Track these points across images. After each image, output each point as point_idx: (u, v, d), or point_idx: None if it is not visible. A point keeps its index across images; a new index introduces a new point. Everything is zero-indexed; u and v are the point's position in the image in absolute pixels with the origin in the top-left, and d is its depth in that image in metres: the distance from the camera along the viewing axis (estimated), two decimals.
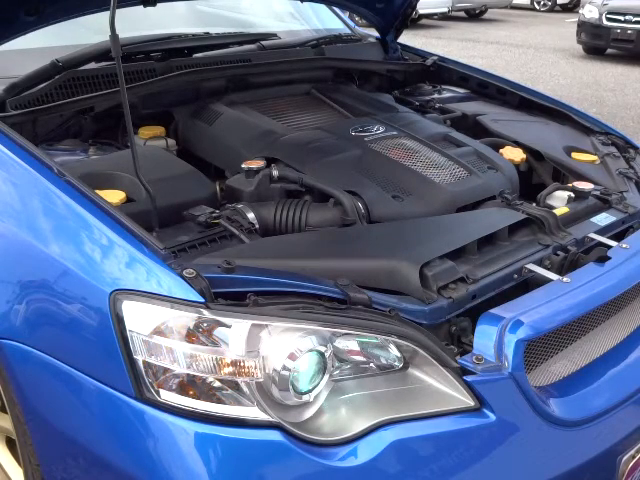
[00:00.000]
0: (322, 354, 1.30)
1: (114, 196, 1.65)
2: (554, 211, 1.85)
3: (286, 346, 1.27)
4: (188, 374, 1.26)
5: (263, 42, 2.69)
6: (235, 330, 1.25)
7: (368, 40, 3.07)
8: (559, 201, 2.01)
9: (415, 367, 1.37)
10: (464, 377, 1.34)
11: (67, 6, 2.05)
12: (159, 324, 1.27)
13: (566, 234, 1.79)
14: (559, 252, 1.73)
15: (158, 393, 1.26)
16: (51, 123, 2.04)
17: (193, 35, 2.60)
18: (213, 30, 2.69)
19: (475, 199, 1.93)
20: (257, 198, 1.85)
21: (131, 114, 1.47)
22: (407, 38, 3.09)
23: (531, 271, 1.65)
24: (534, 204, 1.95)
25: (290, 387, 1.27)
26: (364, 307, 1.37)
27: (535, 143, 2.33)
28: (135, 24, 2.45)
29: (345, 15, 3.33)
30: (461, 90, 2.89)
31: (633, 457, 1.56)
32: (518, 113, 2.67)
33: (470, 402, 1.34)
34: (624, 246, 1.79)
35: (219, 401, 1.25)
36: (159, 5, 2.21)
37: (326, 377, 1.32)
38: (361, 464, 1.25)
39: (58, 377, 1.38)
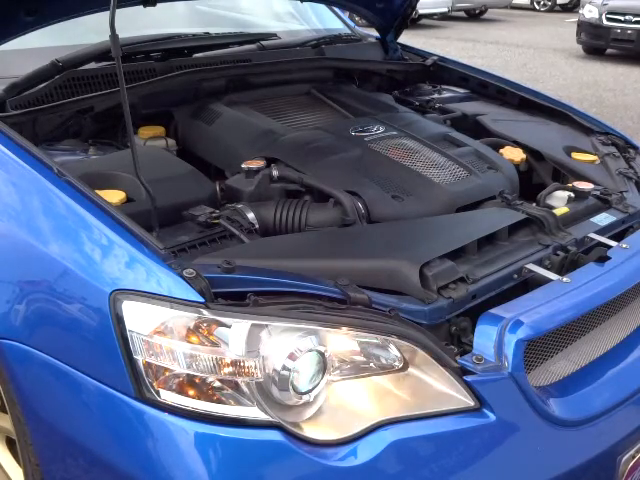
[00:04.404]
0: (322, 354, 1.30)
1: (114, 196, 1.64)
2: (554, 211, 1.85)
3: (286, 346, 1.27)
4: (188, 374, 1.26)
5: (263, 42, 2.69)
6: (235, 330, 1.25)
7: (368, 40, 3.06)
8: (559, 201, 2.01)
9: (415, 367, 1.36)
10: (464, 377, 1.34)
11: (67, 6, 2.05)
12: (159, 324, 1.27)
13: (566, 234, 1.79)
14: (559, 252, 1.73)
15: (158, 393, 1.26)
16: (51, 123, 2.03)
17: (193, 35, 2.60)
18: (213, 30, 2.69)
19: (475, 199, 1.93)
20: (257, 198, 1.85)
21: (131, 114, 1.47)
22: (407, 38, 3.08)
23: (531, 271, 1.65)
24: (534, 204, 1.95)
25: (290, 387, 1.27)
26: (364, 307, 1.37)
27: (535, 143, 2.33)
28: (135, 24, 2.45)
29: (345, 15, 3.33)
30: (461, 90, 2.89)
31: (633, 457, 1.56)
32: (518, 113, 2.67)
33: (470, 402, 1.34)
34: (624, 246, 1.78)
35: (219, 401, 1.25)
36: (159, 5, 2.21)
37: (326, 377, 1.32)
38: (361, 464, 1.25)
39: (58, 377, 1.38)
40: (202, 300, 1.26)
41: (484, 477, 1.35)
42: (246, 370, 1.25)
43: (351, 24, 3.23)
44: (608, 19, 10.65)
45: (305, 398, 1.29)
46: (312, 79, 2.63)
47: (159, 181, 1.65)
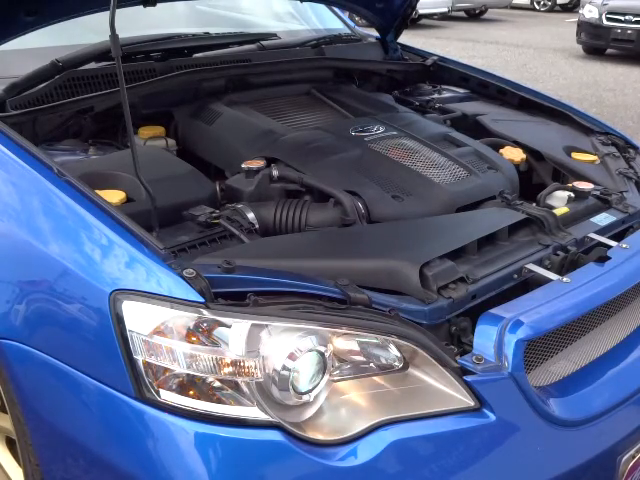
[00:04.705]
0: (322, 354, 1.30)
1: (114, 196, 1.65)
2: (554, 211, 1.85)
3: (286, 346, 1.27)
4: (188, 374, 1.26)
5: (263, 42, 2.69)
6: (235, 330, 1.25)
7: (368, 40, 3.07)
8: (559, 201, 2.01)
9: (415, 367, 1.37)
10: (464, 377, 1.34)
11: (67, 6, 2.05)
12: (159, 324, 1.26)
13: (566, 234, 1.79)
14: (559, 252, 1.73)
15: (158, 393, 1.26)
16: (51, 123, 2.03)
17: (193, 35, 2.60)
18: (213, 30, 2.69)
19: (475, 199, 1.93)
20: (257, 198, 1.85)
21: (131, 114, 1.47)
22: (407, 38, 3.08)
23: (531, 271, 1.65)
24: (534, 204, 1.95)
25: (290, 387, 1.27)
26: (364, 307, 1.37)
27: (535, 143, 2.33)
28: (135, 24, 2.45)
29: (345, 15, 3.33)
30: (461, 90, 2.89)
31: (633, 457, 1.56)
32: (518, 113, 2.67)
33: (470, 402, 1.34)
34: (624, 246, 1.78)
35: (219, 401, 1.25)
36: (159, 5, 2.21)
37: (326, 377, 1.32)
38: (361, 464, 1.25)
39: (58, 377, 1.38)
40: (202, 300, 1.26)
41: (484, 477, 1.35)
42: (246, 370, 1.25)
43: (351, 24, 3.23)
44: (608, 19, 10.65)
45: (305, 398, 1.29)
46: (312, 79, 2.63)
47: (159, 181, 1.65)
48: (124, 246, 1.35)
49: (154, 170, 1.72)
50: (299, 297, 1.34)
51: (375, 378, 1.36)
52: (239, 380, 1.25)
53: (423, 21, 15.33)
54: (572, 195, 2.00)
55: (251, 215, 1.73)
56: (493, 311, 1.48)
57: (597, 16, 10.78)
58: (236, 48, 2.62)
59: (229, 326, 1.26)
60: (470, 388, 1.34)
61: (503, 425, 1.37)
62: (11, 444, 1.77)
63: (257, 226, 1.72)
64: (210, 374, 1.25)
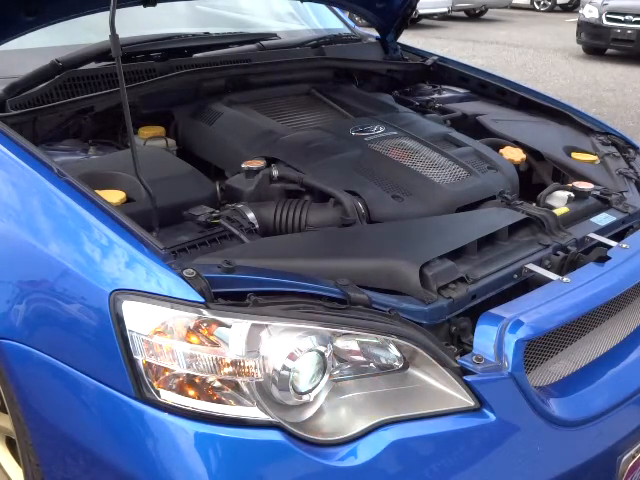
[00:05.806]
0: (322, 354, 1.30)
1: (114, 196, 1.65)
2: (554, 211, 1.85)
3: (286, 346, 1.27)
4: (188, 374, 1.26)
5: (263, 42, 2.69)
6: (235, 330, 1.25)
7: (368, 40, 3.07)
8: (559, 201, 2.01)
9: (415, 367, 1.37)
10: (464, 377, 1.34)
11: (67, 6, 2.05)
12: (159, 324, 1.27)
13: (566, 234, 1.79)
14: (559, 252, 1.73)
15: (158, 393, 1.26)
16: (51, 123, 2.03)
17: (193, 35, 2.60)
18: (213, 30, 2.69)
19: (475, 199, 1.93)
20: (257, 198, 1.85)
21: (131, 114, 1.47)
22: (407, 38, 3.08)
23: (531, 271, 1.64)
24: (534, 204, 1.95)
25: (290, 387, 1.27)
26: (364, 307, 1.37)
27: (535, 143, 2.33)
28: (135, 24, 2.45)
29: (345, 15, 3.33)
30: (461, 90, 2.89)
31: (633, 457, 1.56)
32: (518, 113, 2.67)
33: (470, 402, 1.34)
34: (624, 246, 1.78)
35: (219, 401, 1.25)
36: (159, 5, 2.21)
37: (326, 377, 1.32)
38: (361, 464, 1.25)
39: (58, 377, 1.38)
40: (202, 300, 1.26)
41: (484, 477, 1.35)
42: (246, 370, 1.25)
43: (351, 24, 3.23)
44: (608, 19, 10.65)
45: (305, 398, 1.29)
46: (312, 79, 2.63)
47: (159, 181, 1.65)
48: (124, 246, 1.35)
49: (154, 170, 1.72)
50: (299, 297, 1.34)
51: (375, 378, 1.36)
52: (239, 380, 1.25)
53: (423, 21, 15.33)
54: (572, 195, 2.00)
55: (251, 215, 1.74)
56: (493, 311, 1.48)
57: (597, 16, 10.79)
58: (236, 48, 2.62)
59: (229, 326, 1.26)
60: (470, 388, 1.34)
61: (503, 425, 1.37)
62: (11, 444, 1.77)
63: (257, 226, 1.72)
64: (210, 374, 1.25)
